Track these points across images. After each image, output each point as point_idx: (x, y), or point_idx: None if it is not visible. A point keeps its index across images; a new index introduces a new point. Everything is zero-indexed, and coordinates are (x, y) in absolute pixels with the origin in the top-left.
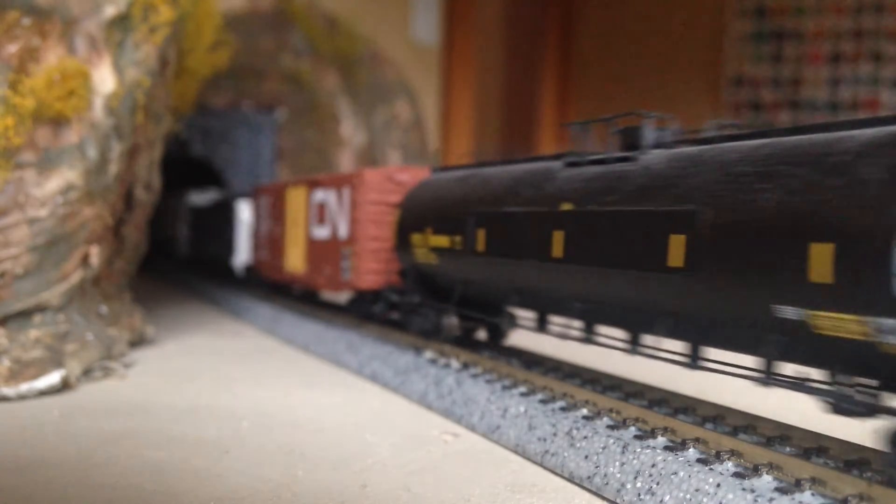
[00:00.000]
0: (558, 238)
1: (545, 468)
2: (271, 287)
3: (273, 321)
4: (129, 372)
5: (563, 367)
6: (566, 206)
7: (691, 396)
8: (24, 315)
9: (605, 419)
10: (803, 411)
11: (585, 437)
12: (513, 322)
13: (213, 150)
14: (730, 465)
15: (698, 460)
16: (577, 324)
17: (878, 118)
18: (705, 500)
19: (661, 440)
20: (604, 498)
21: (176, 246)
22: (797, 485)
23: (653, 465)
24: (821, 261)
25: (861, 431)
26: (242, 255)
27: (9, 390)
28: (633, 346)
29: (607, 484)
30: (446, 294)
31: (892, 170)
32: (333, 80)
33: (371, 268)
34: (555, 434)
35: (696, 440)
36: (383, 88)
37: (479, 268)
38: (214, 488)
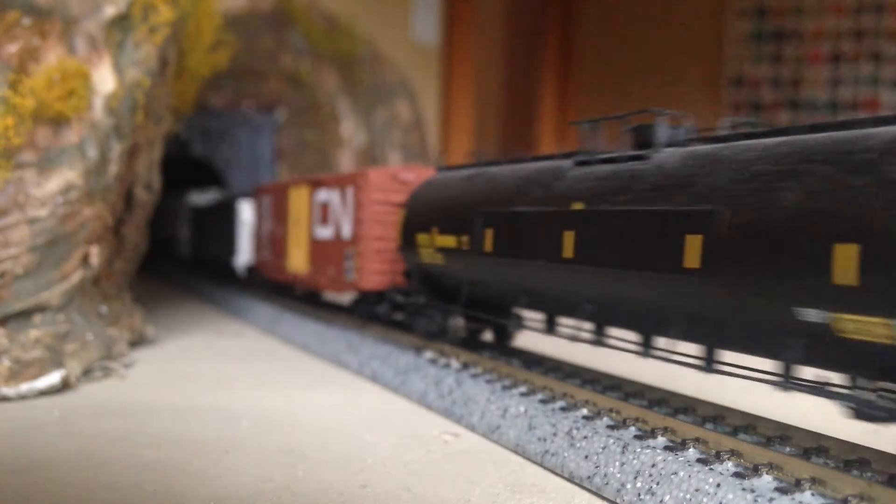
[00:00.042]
0: (569, 238)
1: (545, 468)
2: (273, 288)
3: (273, 321)
4: (129, 372)
5: (563, 367)
6: (577, 206)
7: (691, 396)
8: (24, 315)
9: (605, 419)
10: (803, 411)
11: (585, 437)
12: (520, 323)
13: (213, 150)
14: (730, 465)
15: (698, 460)
16: (588, 325)
17: None
18: (705, 500)
19: (661, 440)
20: (604, 498)
21: (177, 246)
22: (797, 485)
23: (653, 465)
24: (845, 262)
25: (861, 431)
26: (244, 255)
27: (9, 390)
28: (646, 349)
29: (607, 484)
30: (452, 295)
31: None
32: (333, 80)
33: (375, 268)
34: (555, 434)
35: (696, 440)
36: (383, 88)
37: (486, 268)
38: (214, 488)
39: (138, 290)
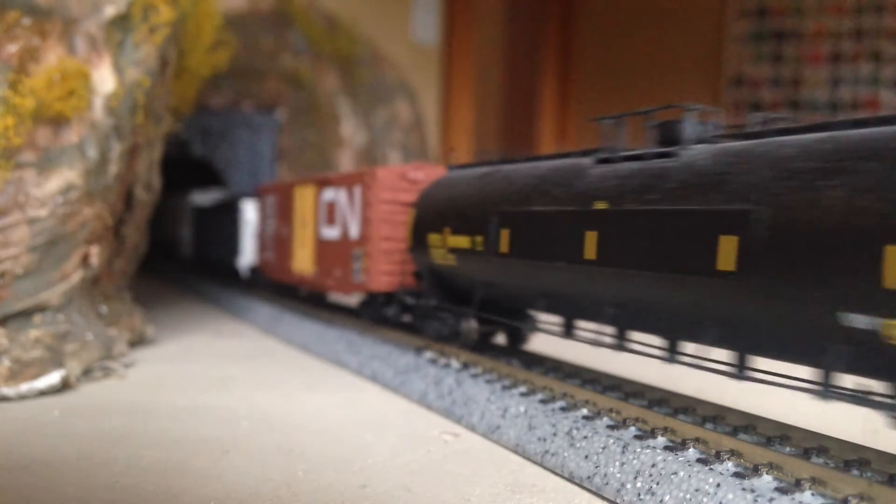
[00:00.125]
0: (591, 239)
1: (545, 468)
2: (276, 289)
3: (273, 321)
4: (129, 372)
5: (564, 367)
6: (600, 205)
7: (691, 396)
8: (24, 315)
9: (605, 419)
10: (804, 411)
11: (585, 437)
12: (534, 326)
13: (213, 150)
14: (730, 465)
15: (698, 460)
16: (609, 329)
17: None
18: (705, 500)
19: (661, 440)
20: (604, 498)
21: (178, 247)
22: (797, 485)
23: (653, 465)
24: None
25: (861, 431)
26: (247, 256)
27: (9, 390)
28: (671, 354)
29: (607, 484)
30: (465, 297)
31: None
32: (333, 80)
33: (384, 269)
34: (555, 434)
35: (696, 440)
36: (383, 88)
37: (502, 270)
38: (214, 488)
39: (138, 290)
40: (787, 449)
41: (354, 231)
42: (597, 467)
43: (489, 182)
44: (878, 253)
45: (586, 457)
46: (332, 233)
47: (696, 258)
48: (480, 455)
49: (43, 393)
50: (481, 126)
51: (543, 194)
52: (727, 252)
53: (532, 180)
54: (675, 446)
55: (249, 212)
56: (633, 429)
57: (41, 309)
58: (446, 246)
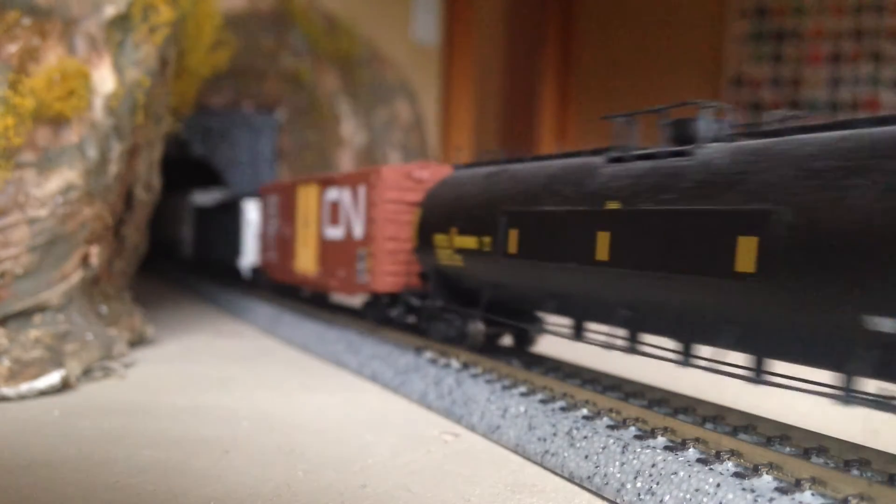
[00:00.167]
0: (603, 239)
1: (545, 468)
2: (278, 289)
3: (273, 321)
4: (129, 372)
5: (564, 367)
6: (612, 205)
7: (691, 396)
8: (24, 315)
9: (605, 419)
10: (803, 411)
11: (585, 437)
12: (542, 328)
13: (213, 150)
14: (730, 465)
15: (698, 460)
16: (621, 332)
17: None
18: (705, 499)
19: (661, 440)
20: (604, 498)
21: (179, 247)
22: (797, 485)
23: (653, 465)
24: None
25: (861, 431)
26: (249, 256)
27: (9, 390)
28: (686, 358)
29: (607, 484)
30: (472, 298)
31: None
32: (333, 80)
33: (388, 269)
34: (555, 434)
35: (696, 440)
36: (383, 88)
37: (510, 271)
38: (214, 488)
39: (138, 290)
40: (787, 449)
41: (358, 231)
42: (597, 467)
43: (497, 181)
44: None
45: (586, 457)
46: (335, 233)
47: (713, 259)
48: (480, 455)
49: (43, 393)
50: (481, 126)
51: (553, 194)
52: (746, 253)
53: (541, 179)
54: (675, 446)
55: (251, 212)
56: (633, 429)
57: (41, 309)
58: (453, 246)
